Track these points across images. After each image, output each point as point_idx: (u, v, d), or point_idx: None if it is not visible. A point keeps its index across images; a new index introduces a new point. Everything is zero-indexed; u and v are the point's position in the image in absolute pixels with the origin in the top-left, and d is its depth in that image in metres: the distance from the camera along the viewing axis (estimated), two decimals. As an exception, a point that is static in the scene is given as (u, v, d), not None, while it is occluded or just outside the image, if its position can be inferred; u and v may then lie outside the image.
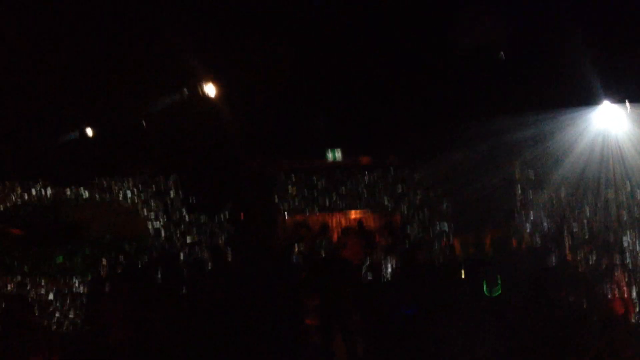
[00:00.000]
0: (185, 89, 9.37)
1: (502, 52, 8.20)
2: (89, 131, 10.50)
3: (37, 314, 7.29)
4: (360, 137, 11.65)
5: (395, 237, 12.62)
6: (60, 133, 10.43)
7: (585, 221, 11.17)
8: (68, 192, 11.75)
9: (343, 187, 13.47)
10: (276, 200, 13.29)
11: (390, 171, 13.41)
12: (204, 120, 10.07)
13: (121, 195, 12.06)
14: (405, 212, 13.30)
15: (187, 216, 12.32)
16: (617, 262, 9.12)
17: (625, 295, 8.43)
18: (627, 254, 10.17)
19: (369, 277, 10.18)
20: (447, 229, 12.90)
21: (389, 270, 10.61)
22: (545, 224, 11.97)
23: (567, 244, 10.80)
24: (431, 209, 13.22)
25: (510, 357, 7.58)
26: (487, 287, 7.73)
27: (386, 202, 13.45)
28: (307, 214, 13.68)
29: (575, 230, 11.09)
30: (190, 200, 12.33)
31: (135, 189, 12.16)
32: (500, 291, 7.60)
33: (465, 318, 7.93)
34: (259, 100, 9.10)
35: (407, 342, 8.25)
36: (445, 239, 12.38)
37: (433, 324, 7.90)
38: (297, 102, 9.85)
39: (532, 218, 12.20)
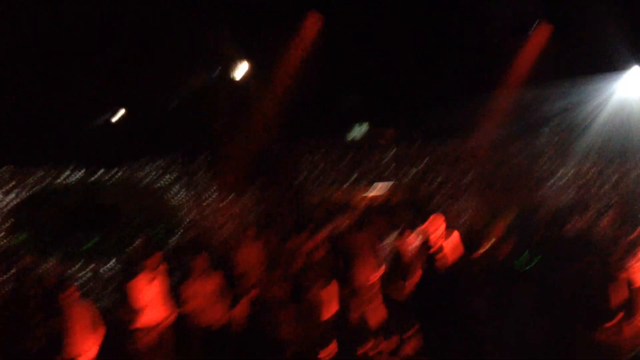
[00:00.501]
0: (211, 69, 9.37)
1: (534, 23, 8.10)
2: (120, 114, 10.53)
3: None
4: (384, 111, 11.61)
5: (420, 212, 12.60)
6: (92, 116, 10.48)
7: (612, 188, 11.12)
8: (99, 175, 11.86)
9: (367, 162, 13.46)
10: (301, 179, 13.33)
11: (415, 145, 13.38)
12: (231, 100, 10.07)
13: (150, 177, 12.16)
14: (431, 186, 13.29)
15: (215, 197, 12.42)
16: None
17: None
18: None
19: (394, 253, 10.21)
20: (473, 202, 12.91)
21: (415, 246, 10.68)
22: (571, 192, 11.96)
23: (591, 212, 10.77)
24: (457, 182, 13.22)
25: (539, 322, 7.65)
26: (520, 261, 7.74)
27: (411, 177, 13.44)
28: (332, 191, 13.71)
29: (601, 197, 11.04)
30: (218, 181, 12.41)
31: (164, 171, 12.26)
32: (534, 264, 7.61)
33: (494, 288, 7.98)
34: (284, 78, 9.06)
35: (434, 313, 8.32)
36: (470, 212, 12.38)
37: (461, 295, 7.98)
38: (321, 77, 9.81)
39: (558, 186, 12.20)
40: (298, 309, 8.14)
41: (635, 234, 8.93)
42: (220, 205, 12.50)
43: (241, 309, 8.23)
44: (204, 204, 12.48)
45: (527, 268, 7.93)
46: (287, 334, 7.97)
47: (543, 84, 9.84)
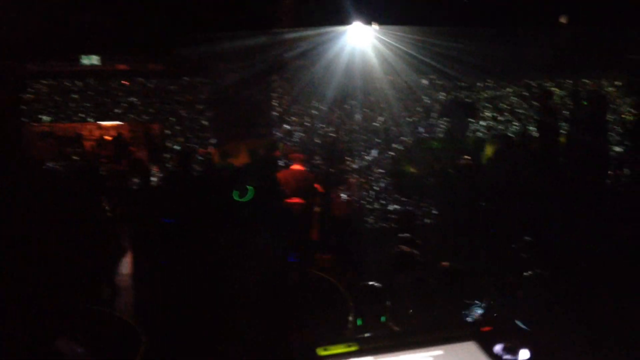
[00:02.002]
0: None
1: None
2: None
3: None
4: (119, 40, 10.96)
5: (154, 148, 12.40)
6: None
7: (335, 131, 12.08)
8: None
9: (99, 95, 12.72)
10: (22, 107, 12.18)
11: (151, 79, 12.94)
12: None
13: None
14: (166, 122, 13.04)
15: None
16: (349, 167, 10.16)
17: (354, 197, 9.56)
18: (364, 160, 11.41)
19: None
20: (207, 140, 13.02)
21: (149, 179, 10.65)
22: (299, 132, 12.80)
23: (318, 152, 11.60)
24: (193, 119, 13.16)
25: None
26: (238, 193, 8.11)
27: (145, 112, 13.03)
28: (57, 123, 12.77)
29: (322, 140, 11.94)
30: None
31: None
32: (251, 197, 8.01)
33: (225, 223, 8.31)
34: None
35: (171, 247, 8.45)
36: (203, 149, 12.52)
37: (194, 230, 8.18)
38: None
39: (288, 129, 12.92)
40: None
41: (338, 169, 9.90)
42: None
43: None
44: None
45: (244, 200, 8.31)
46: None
47: (279, 31, 10.21)
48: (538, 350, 2.72)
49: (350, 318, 5.03)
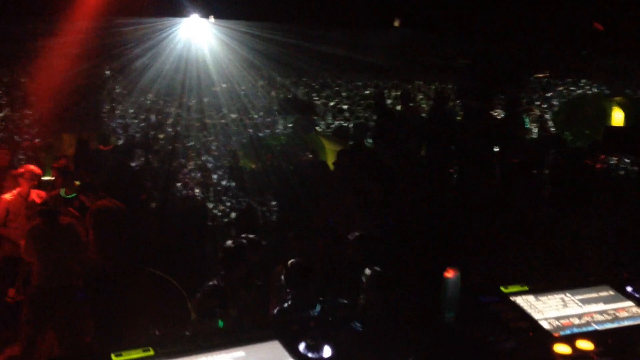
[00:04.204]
0: None
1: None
2: None
3: None
4: None
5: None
6: None
7: (168, 127, 11.74)
8: None
9: None
10: None
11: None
12: None
13: None
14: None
15: None
16: (187, 163, 9.98)
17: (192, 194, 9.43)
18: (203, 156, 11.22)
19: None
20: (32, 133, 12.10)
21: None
22: (132, 126, 12.32)
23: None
24: (15, 112, 12.12)
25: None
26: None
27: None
28: None
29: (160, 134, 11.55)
30: None
31: None
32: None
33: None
34: None
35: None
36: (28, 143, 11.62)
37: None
38: None
39: (121, 120, 12.40)
40: None
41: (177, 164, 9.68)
42: None
43: None
44: None
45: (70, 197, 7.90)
46: None
47: (110, 20, 9.63)
48: (347, 347, 2.71)
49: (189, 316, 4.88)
